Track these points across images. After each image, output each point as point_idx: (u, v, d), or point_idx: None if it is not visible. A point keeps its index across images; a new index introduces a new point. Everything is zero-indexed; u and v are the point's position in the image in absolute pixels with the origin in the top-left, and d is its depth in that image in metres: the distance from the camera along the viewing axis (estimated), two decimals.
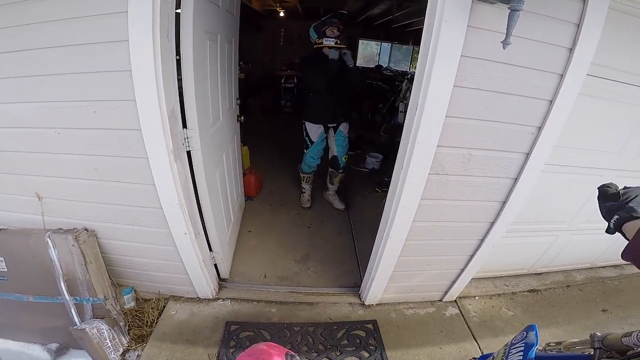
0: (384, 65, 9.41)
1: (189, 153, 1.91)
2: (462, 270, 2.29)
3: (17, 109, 1.74)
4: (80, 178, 1.83)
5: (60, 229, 1.95)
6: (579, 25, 1.53)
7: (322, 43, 2.93)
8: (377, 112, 6.39)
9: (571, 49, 1.58)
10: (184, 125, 1.83)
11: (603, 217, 0.91)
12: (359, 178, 4.42)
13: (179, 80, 1.76)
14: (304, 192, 3.68)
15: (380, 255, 2.11)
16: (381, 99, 6.53)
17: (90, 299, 1.96)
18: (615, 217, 0.86)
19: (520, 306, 2.56)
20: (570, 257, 2.83)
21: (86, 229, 1.98)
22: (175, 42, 1.65)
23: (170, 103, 1.68)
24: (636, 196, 0.85)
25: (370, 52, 10.29)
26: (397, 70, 9.05)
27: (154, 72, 1.53)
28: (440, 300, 2.52)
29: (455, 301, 2.53)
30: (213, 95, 2.13)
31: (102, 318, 1.96)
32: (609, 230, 0.88)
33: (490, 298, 2.61)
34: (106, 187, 1.85)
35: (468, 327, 2.34)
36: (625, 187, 0.90)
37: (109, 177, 1.81)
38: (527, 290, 2.72)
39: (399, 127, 4.55)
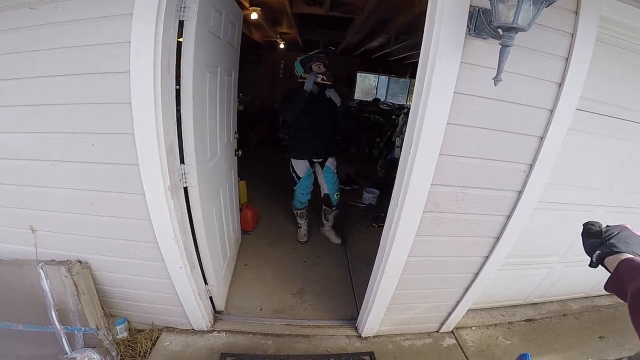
0: (382, 99, 9.54)
1: (185, 189, 1.93)
2: (458, 302, 2.28)
3: (11, 139, 1.75)
4: (76, 212, 1.85)
5: (53, 260, 1.95)
6: (567, 58, 1.57)
7: (307, 78, 2.93)
8: (374, 146, 6.46)
9: (560, 84, 1.61)
10: (182, 161, 1.85)
11: (586, 252, 0.97)
12: (355, 213, 4.45)
13: (178, 111, 1.77)
14: (300, 227, 3.67)
15: (377, 289, 2.11)
16: (378, 132, 6.60)
17: (82, 328, 1.95)
18: (598, 252, 0.91)
19: (517, 335, 2.54)
20: (566, 287, 2.83)
21: (80, 261, 1.98)
22: (175, 72, 1.67)
23: (169, 138, 1.70)
24: (618, 233, 0.91)
25: (368, 85, 10.52)
26: (394, 104, 9.19)
27: (154, 105, 1.55)
28: (437, 331, 2.49)
29: (452, 332, 2.50)
30: (211, 129, 2.17)
31: (94, 347, 1.94)
32: (591, 264, 0.94)
33: (487, 328, 2.59)
34: (101, 222, 1.86)
35: (465, 356, 2.31)
36: (607, 226, 0.96)
37: (104, 212, 1.83)
38: (524, 320, 2.70)
39: (396, 162, 4.60)
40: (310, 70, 2.95)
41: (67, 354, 1.92)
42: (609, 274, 0.87)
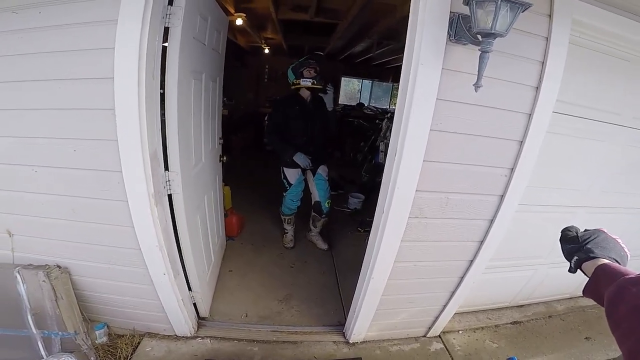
0: (366, 104, 9.64)
1: (169, 196, 1.90)
2: (445, 306, 2.29)
3: None
4: (56, 218, 1.81)
5: (31, 264, 1.90)
6: (543, 62, 1.61)
7: (299, 84, 2.98)
8: (359, 151, 6.47)
9: (537, 87, 1.65)
10: (166, 168, 1.83)
11: (565, 258, 0.97)
12: (341, 218, 4.44)
13: (162, 116, 1.75)
14: (287, 233, 3.62)
15: (364, 295, 2.10)
16: (363, 137, 6.61)
17: (60, 333, 1.90)
18: (575, 257, 0.91)
19: (504, 338, 2.56)
20: (550, 288, 2.86)
21: (59, 266, 1.94)
22: (160, 78, 1.66)
23: (153, 145, 1.68)
24: (595, 237, 0.91)
25: (352, 89, 10.59)
26: (377, 108, 9.29)
27: (138, 112, 1.53)
28: (425, 336, 2.49)
29: (440, 336, 2.51)
30: (196, 136, 2.15)
31: (71, 352, 1.89)
32: (570, 270, 0.94)
33: (474, 331, 2.60)
34: (82, 228, 1.82)
35: None
36: (585, 230, 0.96)
37: (86, 218, 1.79)
38: (510, 322, 2.73)
39: (380, 167, 4.64)
40: (301, 76, 2.98)
41: (42, 358, 1.87)
42: (587, 279, 0.86)
